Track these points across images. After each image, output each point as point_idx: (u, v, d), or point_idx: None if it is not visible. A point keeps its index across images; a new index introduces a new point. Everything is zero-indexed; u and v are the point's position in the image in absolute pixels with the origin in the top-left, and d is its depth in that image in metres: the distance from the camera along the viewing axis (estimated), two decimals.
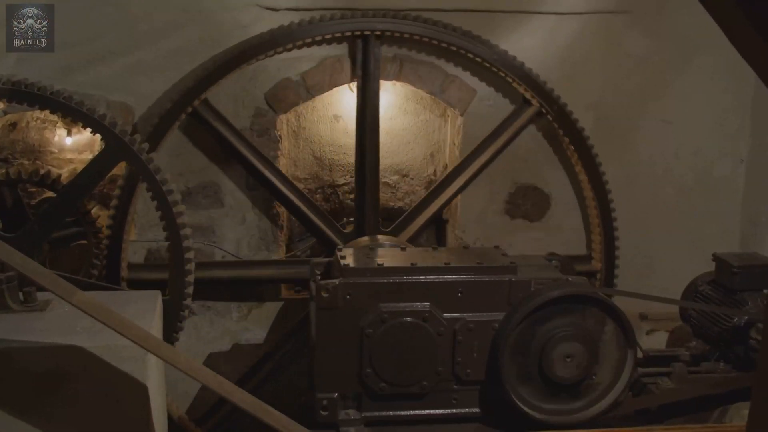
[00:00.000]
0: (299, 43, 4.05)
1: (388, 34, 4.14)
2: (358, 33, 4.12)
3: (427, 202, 4.36)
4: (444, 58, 4.33)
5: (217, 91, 4.06)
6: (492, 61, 4.23)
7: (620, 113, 4.63)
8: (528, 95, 4.30)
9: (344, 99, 4.74)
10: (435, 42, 4.17)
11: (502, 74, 4.26)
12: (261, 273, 4.27)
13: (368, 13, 4.10)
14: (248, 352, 4.45)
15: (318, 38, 4.09)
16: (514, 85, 4.31)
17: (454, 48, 4.19)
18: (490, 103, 4.45)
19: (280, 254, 4.46)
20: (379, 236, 4.23)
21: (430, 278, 3.17)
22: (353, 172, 4.90)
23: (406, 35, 4.14)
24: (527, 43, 4.37)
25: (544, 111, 4.32)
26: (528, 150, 4.54)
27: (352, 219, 4.49)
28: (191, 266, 3.76)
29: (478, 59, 4.23)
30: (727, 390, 3.36)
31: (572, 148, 4.39)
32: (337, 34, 4.08)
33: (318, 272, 3.48)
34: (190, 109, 3.98)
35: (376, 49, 4.16)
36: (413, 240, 4.32)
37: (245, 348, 4.46)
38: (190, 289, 3.77)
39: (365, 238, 4.21)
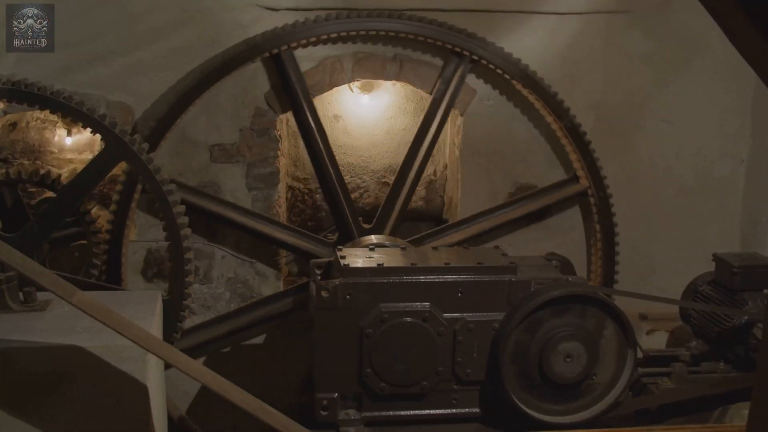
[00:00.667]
0: (299, 43, 4.05)
1: (387, 33, 4.13)
2: (357, 33, 4.11)
3: (395, 192, 4.29)
4: (444, 58, 4.32)
5: (217, 91, 4.06)
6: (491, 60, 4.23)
7: (621, 113, 4.63)
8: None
9: (344, 99, 4.74)
10: (434, 42, 4.17)
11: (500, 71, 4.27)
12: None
13: (370, 13, 4.09)
14: (248, 352, 4.45)
15: (318, 38, 4.09)
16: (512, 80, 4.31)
17: (457, 49, 4.19)
18: (490, 103, 4.45)
19: (279, 254, 4.45)
20: (376, 236, 4.22)
21: (430, 278, 3.17)
22: (353, 172, 4.92)
23: (404, 35, 4.14)
24: (528, 43, 4.36)
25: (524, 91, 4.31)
26: (528, 150, 4.53)
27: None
28: (191, 266, 3.76)
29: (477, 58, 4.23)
30: (727, 390, 3.36)
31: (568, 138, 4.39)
32: (336, 35, 4.08)
33: (318, 272, 3.48)
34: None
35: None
36: (398, 232, 4.29)
37: (245, 348, 4.45)
38: (190, 289, 3.77)
39: (369, 237, 4.20)
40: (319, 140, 4.15)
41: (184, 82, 4.04)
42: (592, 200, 4.45)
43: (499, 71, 4.25)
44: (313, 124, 4.14)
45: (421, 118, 4.32)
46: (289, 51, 4.04)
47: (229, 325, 4.22)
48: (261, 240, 4.21)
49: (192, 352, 3.99)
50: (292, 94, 4.11)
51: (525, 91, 4.31)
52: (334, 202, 4.21)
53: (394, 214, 4.25)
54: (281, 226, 4.23)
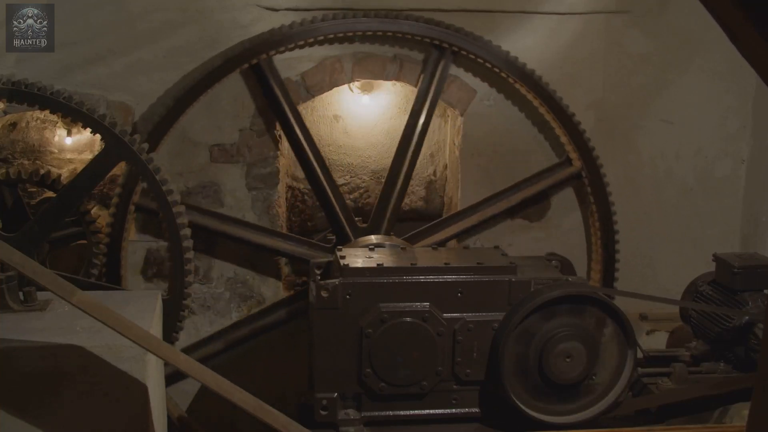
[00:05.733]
0: (299, 43, 4.05)
1: (390, 34, 4.14)
2: (357, 33, 4.11)
3: (388, 190, 4.29)
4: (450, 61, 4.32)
5: (217, 91, 4.06)
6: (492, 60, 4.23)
7: (621, 113, 4.62)
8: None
9: (344, 99, 4.74)
10: (434, 42, 4.17)
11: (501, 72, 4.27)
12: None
13: (369, 13, 4.09)
14: (248, 352, 4.44)
15: (318, 38, 4.09)
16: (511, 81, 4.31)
17: (455, 48, 4.19)
18: (490, 103, 4.45)
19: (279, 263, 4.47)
20: (375, 236, 4.22)
21: (430, 278, 3.17)
22: (353, 172, 4.91)
23: (402, 35, 4.14)
24: (528, 43, 4.36)
25: (524, 91, 4.31)
26: (528, 150, 4.53)
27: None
28: (191, 266, 3.76)
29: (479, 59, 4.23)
30: (728, 390, 3.36)
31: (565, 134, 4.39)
32: (337, 35, 4.08)
33: (318, 272, 3.48)
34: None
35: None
36: (395, 230, 4.29)
37: (245, 348, 4.45)
38: (190, 289, 3.77)
39: (369, 237, 4.20)
40: (306, 146, 4.16)
41: (184, 82, 4.04)
42: (586, 181, 4.44)
43: (479, 60, 4.23)
44: (299, 131, 4.14)
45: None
46: (269, 59, 4.04)
47: (224, 342, 4.27)
48: (261, 251, 4.23)
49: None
50: (276, 103, 4.11)
51: (503, 74, 4.28)
52: (326, 205, 4.22)
53: (388, 213, 4.25)
54: (280, 236, 4.24)
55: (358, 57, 4.24)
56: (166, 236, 3.74)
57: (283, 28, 4.05)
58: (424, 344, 3.14)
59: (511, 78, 4.28)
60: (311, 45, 4.15)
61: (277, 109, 4.12)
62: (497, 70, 4.26)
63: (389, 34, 4.14)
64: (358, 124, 4.83)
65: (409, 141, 4.25)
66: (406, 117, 4.26)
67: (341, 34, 4.09)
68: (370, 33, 4.14)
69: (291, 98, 4.13)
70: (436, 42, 4.16)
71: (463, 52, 4.20)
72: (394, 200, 4.25)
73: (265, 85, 4.09)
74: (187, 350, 4.10)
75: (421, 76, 4.26)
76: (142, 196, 3.93)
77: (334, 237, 4.24)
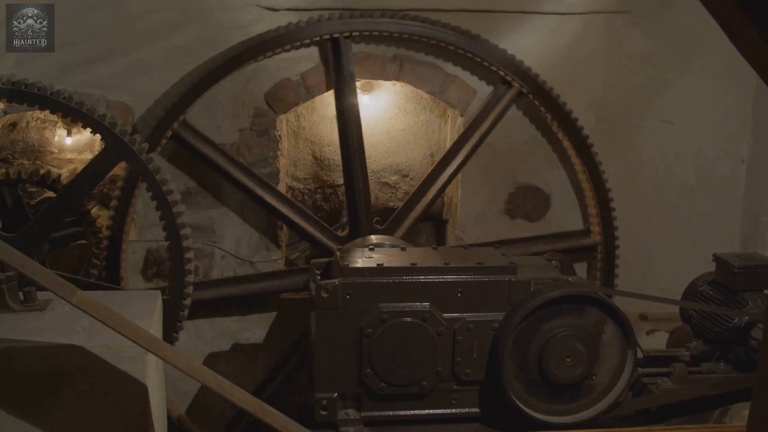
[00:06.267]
0: (299, 43, 4.05)
1: (386, 34, 4.14)
2: (358, 33, 4.12)
3: (417, 197, 4.31)
4: (444, 58, 4.33)
5: (217, 91, 4.06)
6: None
7: (621, 113, 4.63)
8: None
9: None
10: (435, 42, 4.17)
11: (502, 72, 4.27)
12: (264, 286, 4.25)
13: (369, 13, 4.09)
14: (248, 352, 4.45)
15: (318, 38, 4.09)
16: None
17: (452, 47, 4.19)
18: None
19: (279, 254, 4.46)
20: (376, 236, 4.22)
21: (430, 278, 3.17)
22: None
23: (405, 35, 4.14)
24: (528, 43, 4.36)
25: (525, 91, 4.31)
26: (528, 150, 4.53)
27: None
28: (191, 266, 3.76)
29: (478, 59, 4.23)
30: (728, 390, 3.36)
31: (562, 132, 4.39)
32: (336, 35, 4.08)
33: (318, 272, 3.48)
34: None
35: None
36: (408, 237, 4.30)
37: (245, 348, 4.46)
38: (190, 289, 3.77)
39: (369, 237, 4.20)
40: (354, 132, 4.16)
41: (184, 82, 4.04)
42: (581, 170, 4.45)
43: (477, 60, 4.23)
44: (353, 114, 4.14)
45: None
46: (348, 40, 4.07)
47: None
48: (272, 214, 4.21)
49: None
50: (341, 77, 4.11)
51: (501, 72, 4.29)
52: (352, 197, 4.21)
53: (409, 220, 4.26)
54: (298, 210, 4.22)
55: (358, 57, 4.24)
56: (166, 236, 3.74)
57: (281, 28, 4.05)
58: (424, 344, 3.13)
59: (509, 76, 4.29)
60: (311, 45, 4.15)
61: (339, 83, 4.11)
62: (495, 69, 4.26)
63: (389, 34, 4.14)
64: None
65: (452, 159, 4.31)
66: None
67: (338, 35, 4.08)
68: (369, 33, 4.13)
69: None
70: (442, 45, 4.18)
71: (469, 55, 4.21)
72: (418, 210, 4.28)
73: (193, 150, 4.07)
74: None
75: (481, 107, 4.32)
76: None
77: (347, 229, 4.24)
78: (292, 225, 4.22)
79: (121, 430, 2.79)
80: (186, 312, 3.80)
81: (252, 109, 4.22)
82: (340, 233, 4.27)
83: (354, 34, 4.12)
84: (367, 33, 4.13)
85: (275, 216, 4.22)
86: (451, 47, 4.20)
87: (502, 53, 4.26)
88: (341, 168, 4.33)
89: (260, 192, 4.13)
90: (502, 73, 4.27)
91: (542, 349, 3.13)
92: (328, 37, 4.07)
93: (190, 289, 3.77)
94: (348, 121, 4.18)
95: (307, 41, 4.09)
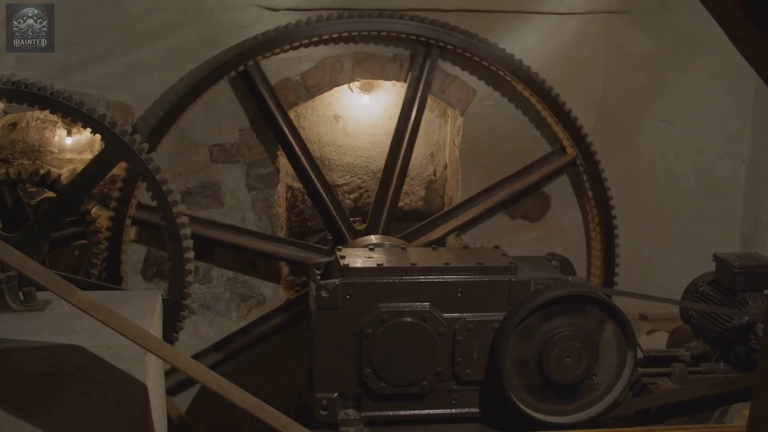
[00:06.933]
0: (299, 43, 4.05)
1: (389, 34, 4.13)
2: (358, 33, 4.11)
3: (383, 190, 4.28)
4: (444, 58, 4.32)
5: (217, 91, 4.06)
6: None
7: (621, 113, 4.62)
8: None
9: (344, 99, 4.73)
10: (433, 42, 4.17)
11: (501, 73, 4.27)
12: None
13: (369, 13, 4.09)
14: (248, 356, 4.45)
15: (318, 38, 4.09)
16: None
17: (451, 47, 4.19)
18: (490, 103, 4.45)
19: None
20: (376, 236, 4.22)
21: (430, 278, 3.17)
22: (353, 172, 4.91)
23: (402, 35, 4.14)
24: (528, 43, 4.36)
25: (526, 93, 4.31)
26: (528, 150, 4.53)
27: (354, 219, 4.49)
28: (191, 266, 3.76)
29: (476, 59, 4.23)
30: (728, 390, 3.36)
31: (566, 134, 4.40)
32: (335, 35, 4.08)
33: (318, 272, 3.48)
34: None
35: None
36: (390, 229, 4.31)
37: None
38: (190, 289, 3.77)
39: (369, 237, 4.20)
40: (298, 151, 4.16)
41: (184, 82, 4.04)
42: (581, 169, 4.44)
43: (467, 54, 4.22)
44: (290, 136, 4.14)
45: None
46: (256, 65, 4.04)
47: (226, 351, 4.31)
48: (259, 257, 4.26)
49: None
50: (265, 108, 4.11)
51: (493, 67, 4.28)
52: (322, 207, 4.23)
53: (384, 213, 4.25)
54: (278, 241, 4.26)
55: (358, 57, 4.24)
56: (166, 236, 3.74)
57: (281, 28, 4.04)
58: (424, 344, 3.14)
59: (509, 76, 4.28)
60: (311, 45, 4.15)
61: (267, 113, 4.12)
62: (495, 69, 4.26)
63: (389, 34, 4.14)
64: (358, 124, 4.83)
65: (402, 139, 4.26)
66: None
67: (341, 34, 4.09)
68: (370, 33, 4.13)
69: (281, 103, 4.13)
70: (426, 39, 4.17)
71: (459, 50, 4.20)
72: (389, 200, 4.25)
73: (254, 91, 4.08)
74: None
75: (409, 74, 4.26)
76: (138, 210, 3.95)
77: (332, 237, 4.25)
78: (274, 258, 4.25)
79: (121, 430, 2.79)
80: (186, 312, 3.80)
81: (252, 109, 4.22)
82: (326, 243, 4.28)
83: (361, 33, 4.11)
84: (373, 33, 4.12)
85: (254, 256, 4.24)
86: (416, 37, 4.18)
87: (503, 53, 4.26)
88: (342, 168, 4.33)
89: (232, 239, 4.17)
90: (502, 73, 4.27)
91: (542, 349, 3.14)
92: (327, 37, 4.06)
93: (190, 289, 3.77)
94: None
95: (313, 40, 4.06)
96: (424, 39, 4.16)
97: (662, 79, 4.64)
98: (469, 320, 3.17)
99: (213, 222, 4.20)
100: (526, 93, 4.34)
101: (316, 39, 4.09)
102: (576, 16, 4.42)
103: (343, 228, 4.20)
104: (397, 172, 4.26)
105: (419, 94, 4.24)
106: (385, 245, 3.95)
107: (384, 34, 4.14)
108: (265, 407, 2.60)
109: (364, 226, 4.29)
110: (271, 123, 4.14)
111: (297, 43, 4.04)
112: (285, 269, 4.53)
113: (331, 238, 4.25)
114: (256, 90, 4.07)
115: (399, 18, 4.12)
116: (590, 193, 4.48)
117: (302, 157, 4.17)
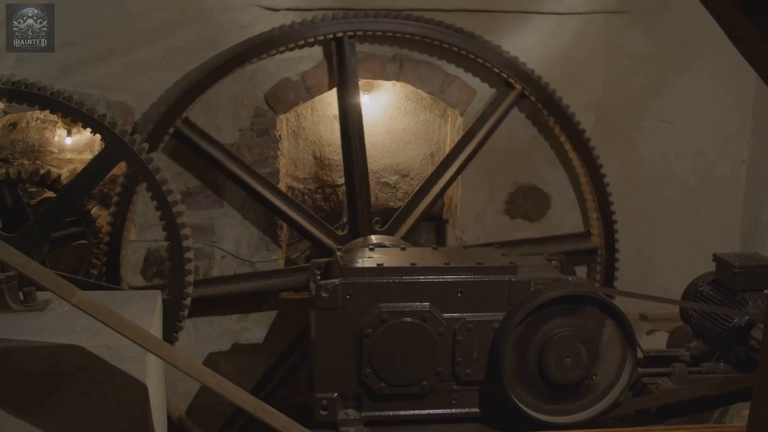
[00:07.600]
0: (299, 43, 4.05)
1: (390, 34, 4.13)
2: (356, 33, 4.11)
3: (418, 198, 4.31)
4: (444, 58, 4.32)
5: (217, 91, 4.06)
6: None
7: (621, 113, 4.62)
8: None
9: None
10: (435, 42, 4.17)
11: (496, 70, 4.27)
12: (263, 284, 4.24)
13: (369, 13, 4.09)
14: (248, 352, 4.45)
15: (317, 38, 4.09)
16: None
17: (454, 48, 4.19)
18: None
19: (280, 254, 4.46)
20: (376, 236, 4.21)
21: (430, 278, 3.17)
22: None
23: (406, 35, 4.14)
24: (528, 43, 4.36)
25: (527, 93, 4.31)
26: (528, 150, 4.53)
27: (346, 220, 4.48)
28: (191, 266, 3.76)
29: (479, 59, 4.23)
30: (728, 390, 3.36)
31: (563, 135, 4.39)
32: (336, 35, 4.08)
33: (318, 272, 3.48)
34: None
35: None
36: (409, 237, 4.30)
37: (245, 348, 4.45)
38: (190, 289, 3.77)
39: (370, 237, 4.20)
40: (356, 131, 4.16)
41: (183, 82, 4.04)
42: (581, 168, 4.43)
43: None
44: (355, 113, 4.14)
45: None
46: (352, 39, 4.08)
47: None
48: (273, 212, 4.21)
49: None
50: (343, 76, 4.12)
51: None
52: (352, 197, 4.21)
53: (410, 221, 4.26)
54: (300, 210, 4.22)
55: (358, 57, 4.24)
56: (166, 236, 3.74)
57: (283, 27, 4.04)
58: (424, 344, 3.13)
59: (527, 90, 4.29)
60: (311, 45, 4.15)
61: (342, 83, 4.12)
62: (497, 70, 4.26)
63: (389, 34, 4.14)
64: None
65: (453, 160, 4.29)
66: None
67: (341, 34, 4.08)
68: (370, 33, 4.14)
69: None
70: (441, 44, 4.16)
71: (466, 54, 4.20)
72: (419, 211, 4.27)
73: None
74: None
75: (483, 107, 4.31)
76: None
77: (347, 228, 4.24)
78: (293, 224, 4.21)
79: (121, 430, 2.79)
80: (186, 312, 3.80)
81: (252, 109, 4.22)
82: (339, 233, 4.27)
83: (358, 33, 4.11)
84: (370, 33, 4.13)
85: (276, 215, 4.22)
86: (447, 46, 4.18)
87: (502, 53, 4.26)
88: (341, 168, 4.33)
89: (262, 190, 4.13)
90: (505, 76, 4.27)
91: (542, 349, 3.14)
92: (332, 36, 4.07)
93: (190, 289, 3.77)
94: (349, 121, 4.17)
95: (311, 40, 4.08)
96: (429, 40, 4.16)
97: (662, 79, 4.64)
98: (469, 320, 3.16)
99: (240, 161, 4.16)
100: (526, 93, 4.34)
101: (317, 38, 4.09)
102: (576, 16, 4.42)
103: (361, 224, 4.18)
104: (437, 189, 4.28)
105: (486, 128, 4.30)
106: (386, 245, 3.95)
107: (389, 34, 4.14)
108: (265, 407, 2.60)
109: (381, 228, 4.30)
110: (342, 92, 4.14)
111: (297, 43, 4.04)
112: (282, 263, 4.52)
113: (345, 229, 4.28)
114: (196, 147, 4.04)
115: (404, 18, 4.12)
116: (590, 194, 4.48)
117: (358, 140, 4.17)
